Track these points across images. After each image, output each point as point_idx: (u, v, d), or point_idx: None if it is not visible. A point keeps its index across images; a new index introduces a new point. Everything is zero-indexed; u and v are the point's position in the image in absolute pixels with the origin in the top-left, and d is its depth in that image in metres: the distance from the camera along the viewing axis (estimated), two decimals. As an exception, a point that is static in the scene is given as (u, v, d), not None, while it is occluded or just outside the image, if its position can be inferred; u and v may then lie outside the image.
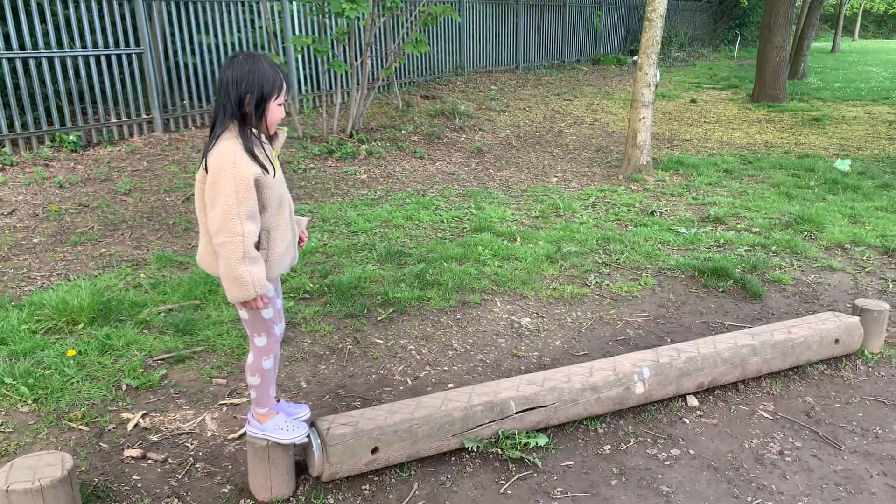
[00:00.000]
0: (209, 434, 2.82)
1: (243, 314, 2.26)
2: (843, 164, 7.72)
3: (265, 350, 2.33)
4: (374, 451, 2.45)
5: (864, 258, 4.87)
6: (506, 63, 16.17)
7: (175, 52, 8.34)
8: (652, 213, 5.98)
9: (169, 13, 8.12)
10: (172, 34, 8.22)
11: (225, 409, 3.00)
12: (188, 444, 2.76)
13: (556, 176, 7.53)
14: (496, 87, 13.72)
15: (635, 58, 7.33)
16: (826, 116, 11.49)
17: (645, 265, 4.77)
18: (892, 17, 37.07)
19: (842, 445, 2.79)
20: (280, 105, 2.12)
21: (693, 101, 13.23)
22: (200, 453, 2.70)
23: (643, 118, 7.16)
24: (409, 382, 3.24)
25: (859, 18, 36.39)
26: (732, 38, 24.77)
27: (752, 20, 25.62)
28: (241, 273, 2.05)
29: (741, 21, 26.04)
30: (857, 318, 3.45)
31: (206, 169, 2.06)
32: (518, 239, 5.24)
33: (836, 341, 3.35)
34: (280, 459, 2.37)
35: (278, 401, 2.55)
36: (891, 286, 4.42)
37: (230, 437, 2.80)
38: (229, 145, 2.03)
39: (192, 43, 8.43)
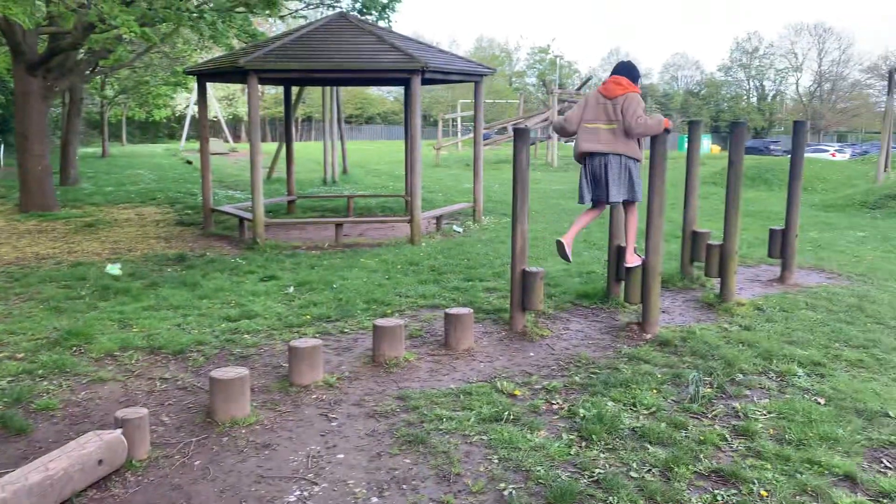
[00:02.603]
0: None
1: None
2: (114, 269, 7.94)
3: None
4: None
5: (133, 362, 5.02)
6: None
7: None
8: None
9: None
10: None
11: None
12: None
13: None
14: None
15: None
16: (100, 221, 11.74)
17: None
18: (153, 123, 40.92)
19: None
20: None
21: (-50, 216, 11.77)
22: None
23: None
24: None
25: (124, 125, 39.02)
26: (-5, 144, 23.26)
27: (11, 127, 24.53)
28: None
29: (3, 128, 24.70)
30: (119, 432, 3.47)
31: None
32: None
33: (100, 462, 3.29)
34: None
35: None
36: (158, 384, 4.65)
37: None
38: None
39: None
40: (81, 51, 12.68)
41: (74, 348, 5.26)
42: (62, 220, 11.85)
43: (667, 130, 5.60)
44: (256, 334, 5.64)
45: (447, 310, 5.57)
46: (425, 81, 10.61)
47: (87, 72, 14.68)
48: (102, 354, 5.15)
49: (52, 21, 10.05)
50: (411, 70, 9.61)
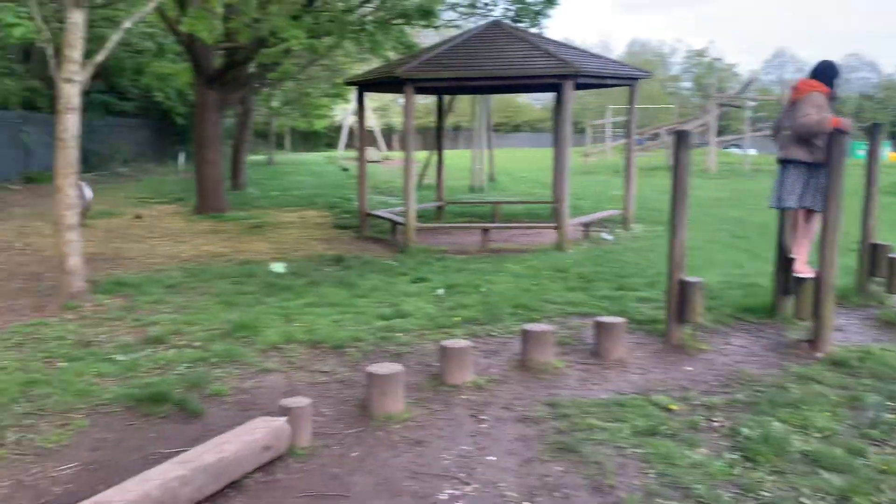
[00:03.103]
0: None
1: None
2: (279, 267, 8.45)
3: None
4: None
5: (296, 355, 5.31)
6: None
7: None
8: (88, 343, 5.52)
9: None
10: None
11: None
12: None
13: (-29, 316, 6.40)
14: None
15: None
16: (265, 223, 12.55)
17: (77, 405, 4.31)
18: (314, 133, 43.39)
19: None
20: None
21: (139, 216, 13.03)
22: None
23: (70, 241, 6.66)
24: None
25: (288, 135, 41.59)
26: (176, 153, 25.51)
27: (191, 137, 26.85)
28: None
29: (183, 137, 27.06)
30: (284, 420, 3.66)
31: None
32: None
33: (267, 448, 3.49)
34: None
35: None
36: (318, 377, 4.88)
37: None
38: None
39: None
40: (252, 65, 13.63)
41: (243, 340, 5.64)
42: (232, 221, 12.78)
43: (839, 131, 5.19)
44: (409, 333, 5.78)
45: (598, 318, 5.44)
46: (578, 86, 10.49)
47: (257, 84, 15.76)
48: (268, 346, 5.47)
49: (228, 37, 10.91)
50: (563, 75, 9.52)
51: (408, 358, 5.21)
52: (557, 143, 11.66)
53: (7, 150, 17.50)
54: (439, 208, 13.51)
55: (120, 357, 5.19)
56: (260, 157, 31.02)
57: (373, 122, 39.18)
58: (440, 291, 7.20)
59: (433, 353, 5.23)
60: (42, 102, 19.61)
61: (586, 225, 10.91)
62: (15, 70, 18.06)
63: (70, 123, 6.56)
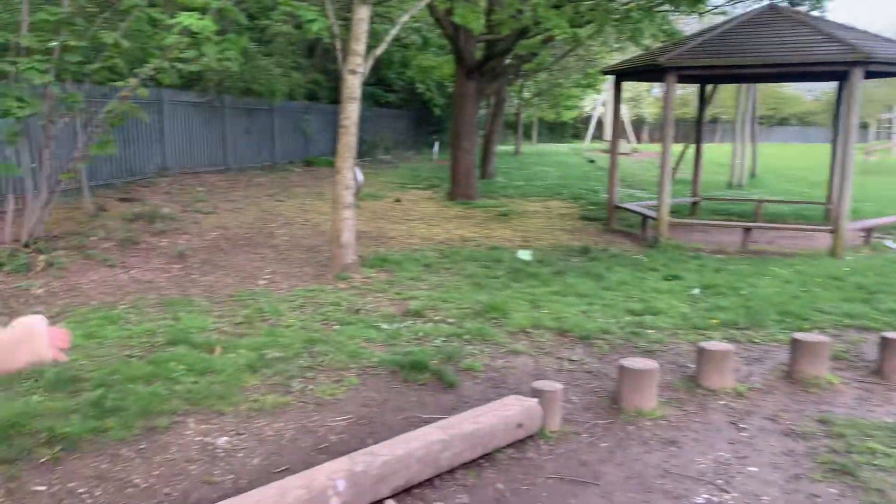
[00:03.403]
0: None
1: None
2: (526, 254, 8.60)
3: None
4: None
5: (544, 340, 5.37)
6: (215, 164, 15.82)
7: None
8: (357, 310, 6.06)
9: None
10: None
11: None
12: None
13: (264, 278, 7.35)
14: (204, 188, 13.29)
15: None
16: (512, 211, 12.85)
17: (349, 365, 4.75)
18: (561, 124, 43.55)
19: (527, 528, 2.92)
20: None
21: (398, 200, 14.01)
22: None
23: (346, 219, 7.34)
24: (73, 535, 2.77)
25: (536, 126, 42.14)
26: (431, 142, 27.03)
27: (446, 126, 28.28)
28: None
29: (438, 127, 28.60)
30: (536, 401, 3.72)
31: None
32: (218, 349, 4.94)
33: (519, 425, 3.58)
34: None
35: None
36: (566, 364, 4.90)
37: None
38: None
39: None
40: (509, 56, 13.97)
41: (493, 320, 5.83)
42: (481, 208, 13.25)
43: None
44: (661, 331, 5.58)
45: (884, 333, 4.82)
46: (868, 75, 9.33)
47: (512, 76, 16.14)
48: (517, 329, 5.60)
49: (490, 29, 11.29)
50: (851, 62, 8.52)
51: (659, 356, 5.03)
52: (839, 138, 10.49)
53: (293, 136, 19.77)
54: (694, 204, 12.85)
55: (384, 325, 5.63)
56: (507, 148, 31.80)
57: (624, 113, 38.34)
58: (695, 291, 6.85)
59: (688, 353, 5.00)
60: (321, 94, 21.82)
61: (868, 230, 9.72)
62: (301, 64, 20.27)
63: (352, 111, 7.22)
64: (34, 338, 1.60)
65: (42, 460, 3.33)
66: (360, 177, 12.57)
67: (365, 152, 21.96)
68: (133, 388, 4.16)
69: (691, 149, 15.10)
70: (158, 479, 3.25)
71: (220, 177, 15.03)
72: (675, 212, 10.81)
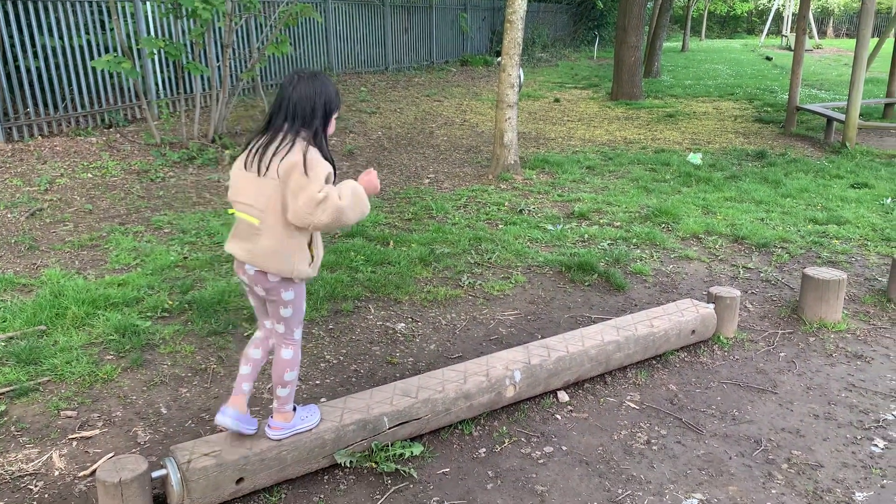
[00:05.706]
0: (56, 473, 2.58)
1: (286, 311, 2.41)
2: (696, 158, 8.19)
3: (300, 343, 2.54)
4: (240, 481, 2.31)
5: (717, 247, 5.17)
6: (375, 64, 16.09)
7: (15, 56, 7.68)
8: (521, 211, 6.10)
9: (6, 13, 7.46)
10: (11, 36, 7.56)
11: (75, 444, 2.76)
12: (32, 487, 2.51)
13: (428, 177, 7.53)
14: (366, 88, 13.61)
15: (500, 59, 7.44)
16: (679, 112, 12.19)
17: (515, 263, 4.84)
18: (733, 18, 40.07)
19: (703, 430, 2.93)
20: (336, 119, 2.41)
21: (557, 100, 13.67)
22: (46, 496, 2.46)
23: (508, 118, 7.29)
24: (279, 400, 3.10)
25: (705, 20, 39.05)
26: (592, 38, 25.86)
27: (608, 21, 26.86)
28: (356, 195, 2.30)
29: (599, 22, 27.23)
30: (711, 307, 3.64)
31: (277, 174, 2.24)
32: (391, 243, 5.18)
33: (693, 332, 3.52)
34: (135, 495, 2.19)
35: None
36: (741, 272, 4.71)
37: (81, 474, 2.57)
38: (309, 152, 2.26)
39: (34, 46, 7.79)
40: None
41: (662, 225, 5.67)
42: (645, 108, 12.67)
43: None
44: (847, 241, 5.20)
45: None
46: None
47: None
48: (688, 235, 5.43)
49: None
50: None
51: (844, 267, 4.71)
52: None
53: (449, 34, 19.61)
54: (888, 105, 11.57)
55: (549, 227, 5.64)
56: (671, 45, 29.84)
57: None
58: (888, 200, 6.28)
59: (877, 266, 4.65)
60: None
61: None
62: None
63: (519, 5, 7.02)
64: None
65: (246, 333, 3.71)
66: (521, 75, 12.35)
67: (522, 50, 21.44)
68: (319, 274, 4.48)
69: (888, 43, 13.44)
70: (346, 356, 3.53)
71: (379, 77, 15.29)
72: (864, 114, 9.81)
